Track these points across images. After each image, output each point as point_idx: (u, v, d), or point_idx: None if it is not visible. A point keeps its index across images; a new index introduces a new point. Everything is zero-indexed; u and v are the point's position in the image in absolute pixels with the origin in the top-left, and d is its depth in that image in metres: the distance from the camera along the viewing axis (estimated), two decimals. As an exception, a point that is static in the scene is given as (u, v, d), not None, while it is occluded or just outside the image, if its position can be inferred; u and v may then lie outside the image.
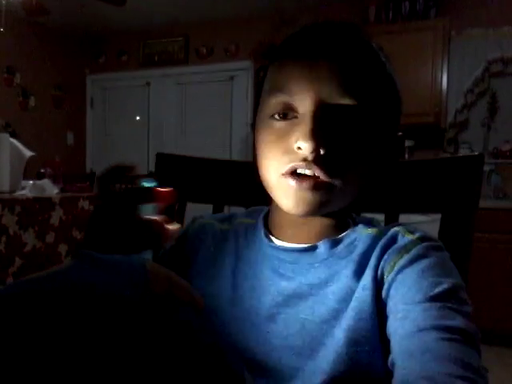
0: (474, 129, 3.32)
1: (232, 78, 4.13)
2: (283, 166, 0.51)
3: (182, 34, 4.25)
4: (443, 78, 3.17)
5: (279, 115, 0.52)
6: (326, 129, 0.49)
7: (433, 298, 0.45)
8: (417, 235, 0.52)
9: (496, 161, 3.20)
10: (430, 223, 0.95)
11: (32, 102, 4.27)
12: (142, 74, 4.46)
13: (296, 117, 0.51)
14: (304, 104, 0.50)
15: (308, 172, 0.49)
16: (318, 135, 0.48)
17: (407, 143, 3.21)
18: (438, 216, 0.70)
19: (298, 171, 0.50)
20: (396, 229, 0.54)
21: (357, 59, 0.51)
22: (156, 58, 4.38)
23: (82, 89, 4.78)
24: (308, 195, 0.50)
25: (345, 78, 0.50)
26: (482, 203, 0.69)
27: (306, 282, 0.52)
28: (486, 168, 3.15)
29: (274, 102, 0.52)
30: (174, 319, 0.35)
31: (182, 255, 0.63)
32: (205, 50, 4.21)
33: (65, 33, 4.50)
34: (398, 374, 0.41)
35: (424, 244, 0.50)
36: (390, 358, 0.44)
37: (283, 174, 0.51)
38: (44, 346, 0.30)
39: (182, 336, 0.35)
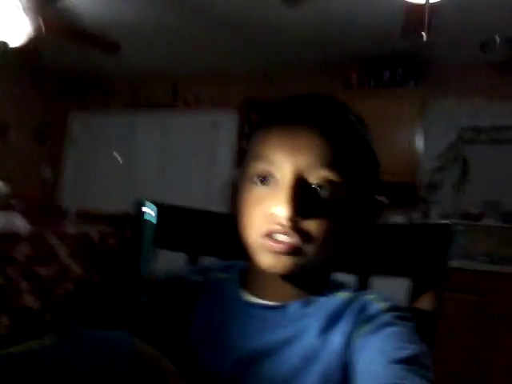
0: (445, 191, 3.45)
1: (217, 126, 4.19)
2: (262, 228, 0.52)
3: (170, 80, 4.35)
4: (419, 142, 3.34)
5: (260, 180, 0.54)
6: (302, 198, 0.51)
7: (395, 361, 0.45)
8: (387, 304, 0.53)
9: (464, 222, 3.30)
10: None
11: (13, 136, 4.23)
12: (128, 115, 4.50)
13: (276, 183, 0.53)
14: (283, 172, 0.52)
15: (283, 238, 0.51)
16: (294, 204, 0.50)
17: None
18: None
19: (274, 236, 0.51)
20: (368, 296, 0.55)
21: (337, 133, 0.54)
22: (142, 101, 4.45)
23: (66, 126, 4.76)
24: (283, 258, 0.51)
25: (324, 150, 0.52)
26: (449, 263, 0.71)
27: (273, 340, 0.53)
28: (455, 229, 3.23)
29: (256, 167, 0.55)
30: None
31: (158, 307, 0.62)
32: (192, 97, 4.31)
33: (52, 71, 4.53)
34: None
35: (392, 313, 0.51)
36: None
37: (262, 236, 0.52)
38: None
39: None
